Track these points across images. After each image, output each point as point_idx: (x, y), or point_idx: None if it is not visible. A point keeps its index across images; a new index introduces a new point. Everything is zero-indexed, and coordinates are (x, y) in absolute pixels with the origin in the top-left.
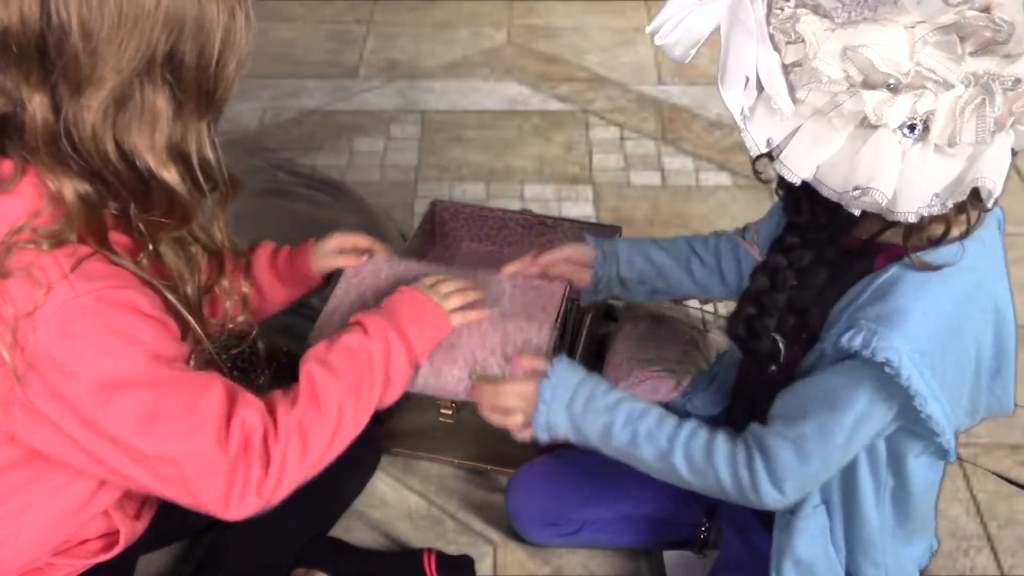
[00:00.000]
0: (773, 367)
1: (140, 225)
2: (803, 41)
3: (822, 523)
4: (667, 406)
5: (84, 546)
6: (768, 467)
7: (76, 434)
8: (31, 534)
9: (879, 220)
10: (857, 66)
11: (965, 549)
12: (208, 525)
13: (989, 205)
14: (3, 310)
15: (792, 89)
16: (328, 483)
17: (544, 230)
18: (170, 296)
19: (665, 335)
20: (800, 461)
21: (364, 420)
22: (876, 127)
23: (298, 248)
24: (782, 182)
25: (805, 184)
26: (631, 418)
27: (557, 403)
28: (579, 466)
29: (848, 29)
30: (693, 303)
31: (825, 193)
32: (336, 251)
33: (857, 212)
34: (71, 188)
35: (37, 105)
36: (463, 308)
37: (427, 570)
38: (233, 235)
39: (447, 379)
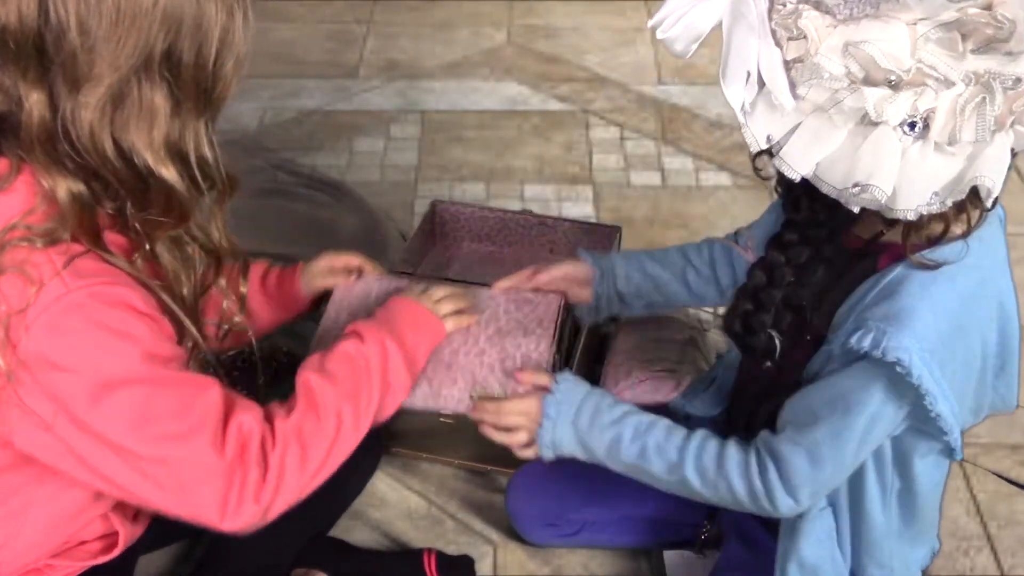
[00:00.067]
0: (769, 363)
1: (136, 224)
2: (805, 37)
3: (828, 526)
4: (666, 407)
5: (83, 547)
6: (782, 475)
7: (68, 437)
8: (30, 536)
9: (880, 219)
10: (859, 62)
11: (965, 549)
12: None
13: (988, 204)
14: None
15: (793, 85)
16: (328, 483)
17: (544, 230)
18: (165, 297)
19: (665, 335)
20: (814, 467)
21: (364, 427)
22: (876, 124)
23: (288, 270)
24: (782, 179)
25: (804, 181)
26: (639, 431)
27: (562, 419)
28: (579, 467)
29: (850, 25)
30: None
31: (824, 190)
32: (326, 271)
33: (856, 209)
34: (65, 187)
35: (34, 102)
36: (455, 314)
37: (427, 570)
38: (232, 235)
39: (447, 400)
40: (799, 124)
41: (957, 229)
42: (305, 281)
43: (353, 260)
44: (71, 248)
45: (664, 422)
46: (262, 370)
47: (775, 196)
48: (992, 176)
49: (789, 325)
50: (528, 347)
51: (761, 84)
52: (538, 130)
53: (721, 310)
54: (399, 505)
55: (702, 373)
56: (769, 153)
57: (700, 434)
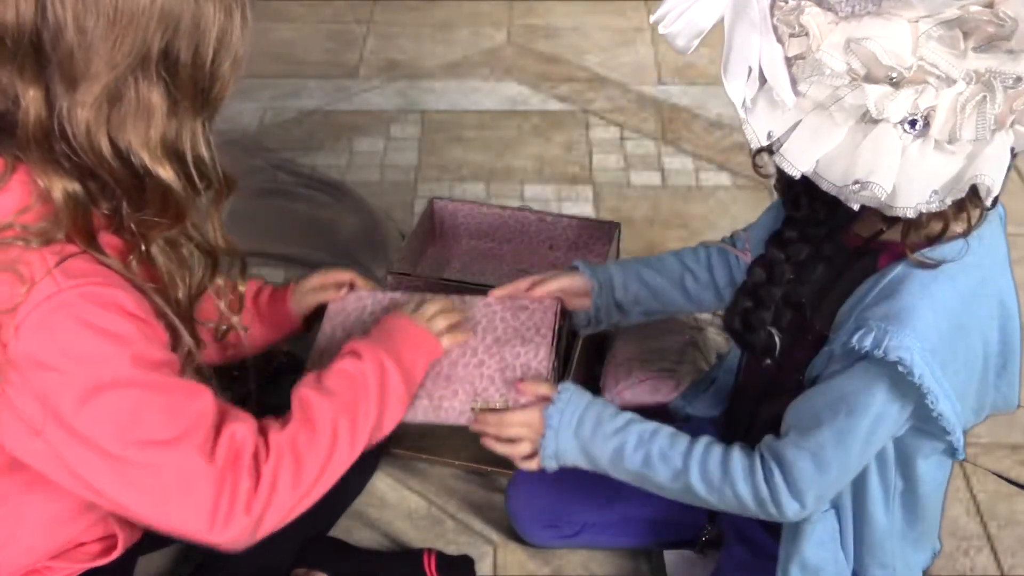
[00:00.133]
0: (769, 361)
1: (132, 225)
2: (806, 34)
3: (831, 528)
4: (667, 407)
5: (82, 549)
6: (787, 480)
7: (56, 442)
8: (28, 538)
9: (880, 218)
10: (860, 59)
11: (965, 549)
12: None
13: (988, 203)
14: None
15: (794, 82)
16: None
17: (543, 227)
18: (159, 301)
19: (665, 335)
20: (819, 471)
21: (360, 445)
22: (877, 122)
23: (280, 288)
24: (782, 176)
25: (804, 178)
26: (642, 439)
27: (565, 429)
28: (580, 468)
29: (852, 22)
30: None
31: (824, 187)
32: (317, 288)
33: (856, 207)
34: (60, 186)
35: (31, 100)
36: (450, 330)
37: (427, 570)
38: (229, 235)
39: (448, 413)
40: (800, 121)
41: (957, 228)
42: (296, 299)
43: (344, 276)
44: (65, 248)
45: (667, 429)
46: (262, 370)
47: (775, 196)
48: (992, 175)
49: (789, 323)
50: (527, 356)
51: (762, 80)
52: (538, 130)
53: (721, 310)
54: (399, 505)
55: (702, 373)
56: (769, 150)
57: (704, 440)
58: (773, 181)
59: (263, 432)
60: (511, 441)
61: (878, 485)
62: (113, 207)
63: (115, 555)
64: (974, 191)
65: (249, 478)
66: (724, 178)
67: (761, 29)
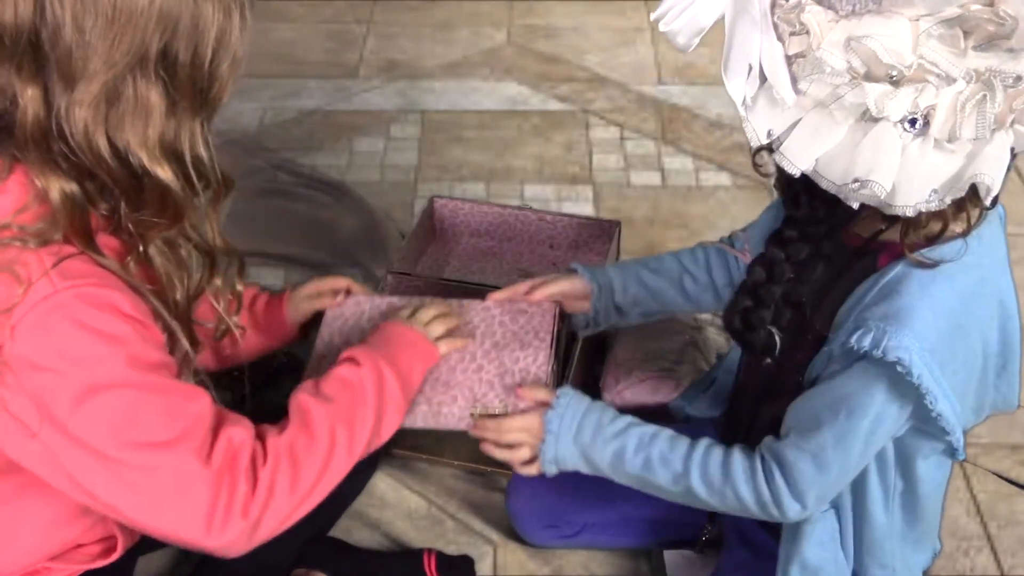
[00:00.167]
0: (769, 360)
1: (130, 225)
2: (807, 32)
3: (831, 528)
4: (667, 407)
5: (81, 550)
6: (788, 481)
7: (52, 444)
8: (27, 539)
9: (879, 217)
10: (861, 57)
11: (965, 549)
12: None
13: (987, 202)
14: None
15: (795, 80)
16: None
17: (543, 225)
18: (156, 303)
19: (665, 335)
20: (819, 472)
21: (358, 451)
22: (877, 120)
23: (276, 296)
24: (781, 175)
25: (804, 177)
26: (642, 443)
27: (564, 434)
28: None
29: (852, 20)
30: None
31: (824, 185)
32: (313, 295)
33: (855, 205)
34: (58, 187)
35: (29, 99)
36: (448, 335)
37: (427, 570)
38: (226, 235)
39: (447, 418)
40: (800, 119)
41: (956, 228)
42: (292, 306)
43: (340, 282)
44: (63, 249)
45: (667, 432)
46: (261, 371)
47: (775, 196)
48: (991, 174)
49: (789, 322)
50: (526, 361)
51: (763, 79)
52: (538, 130)
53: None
54: (399, 505)
55: (702, 373)
56: (769, 149)
57: (704, 443)
58: (773, 180)
59: (261, 437)
60: (510, 446)
61: (878, 485)
62: (111, 208)
63: (114, 557)
64: (974, 190)
65: (246, 482)
66: (724, 178)
67: (762, 27)
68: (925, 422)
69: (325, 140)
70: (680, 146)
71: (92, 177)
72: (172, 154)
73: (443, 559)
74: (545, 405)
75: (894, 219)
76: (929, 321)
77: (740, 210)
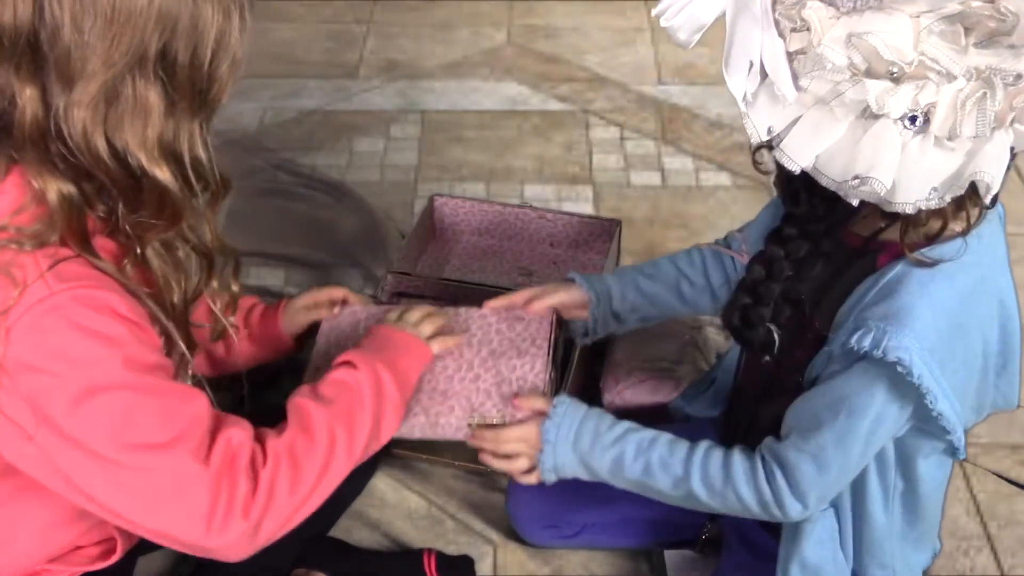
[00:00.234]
0: (768, 358)
1: (127, 227)
2: (808, 28)
3: (831, 527)
4: (666, 408)
5: (80, 552)
6: (789, 481)
7: (49, 447)
8: (24, 542)
9: (879, 216)
10: (862, 53)
11: (965, 549)
12: None
13: (987, 201)
14: None
15: (795, 77)
16: None
17: (544, 224)
18: (153, 305)
19: (665, 335)
20: (820, 472)
21: (357, 452)
22: (877, 117)
23: (271, 306)
24: (781, 172)
25: (804, 174)
26: (641, 448)
27: (563, 443)
28: None
29: (853, 17)
30: None
31: (824, 182)
32: (310, 306)
33: (855, 202)
34: (55, 188)
35: (27, 99)
36: (438, 335)
37: (427, 570)
38: (222, 236)
39: (445, 429)
40: (800, 116)
41: (956, 227)
42: (288, 317)
43: (337, 292)
44: (59, 252)
45: (666, 436)
46: (260, 372)
47: (774, 196)
48: (991, 172)
49: (788, 320)
50: (524, 369)
51: (763, 75)
52: (538, 130)
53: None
54: (399, 505)
55: (702, 373)
56: (769, 146)
57: (703, 445)
58: (772, 178)
59: (259, 439)
60: (508, 457)
61: (877, 485)
62: (108, 209)
63: (114, 559)
64: (973, 189)
65: (247, 482)
66: (724, 178)
67: (763, 23)
68: (926, 421)
69: (325, 140)
70: (680, 146)
71: (90, 178)
72: (171, 155)
73: (443, 559)
74: (542, 414)
75: (894, 217)
76: (929, 321)
77: (740, 210)
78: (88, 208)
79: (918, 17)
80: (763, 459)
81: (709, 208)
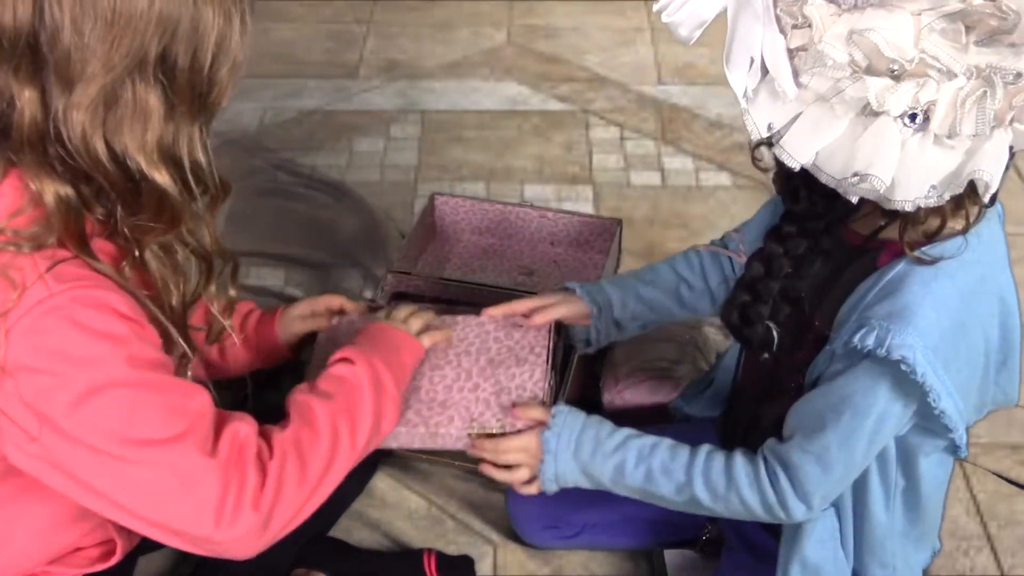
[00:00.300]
0: (766, 355)
1: (126, 230)
2: (809, 25)
3: (832, 526)
4: (665, 408)
5: (80, 554)
6: (793, 483)
7: (53, 449)
8: (24, 543)
9: (879, 214)
10: (863, 50)
11: (965, 549)
12: None
13: (986, 199)
14: None
15: (796, 73)
16: None
17: (544, 223)
18: (152, 307)
19: (664, 335)
20: (824, 472)
21: (360, 444)
22: (877, 115)
23: (268, 313)
24: (781, 169)
25: (803, 171)
26: (642, 455)
27: (563, 453)
28: None
29: (855, 13)
30: None
31: (823, 179)
32: (307, 314)
33: (855, 200)
34: (52, 190)
35: (26, 102)
36: (426, 330)
37: (427, 570)
38: (223, 242)
39: (445, 439)
40: (800, 113)
41: (955, 225)
42: (284, 325)
43: (334, 301)
44: (57, 253)
45: (667, 442)
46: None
47: (774, 195)
48: (990, 171)
49: (787, 318)
50: (522, 377)
51: (764, 72)
52: (538, 130)
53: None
54: (399, 505)
55: (702, 373)
56: (769, 143)
57: (704, 450)
58: (771, 175)
59: (263, 435)
60: (509, 467)
61: (879, 483)
62: (107, 212)
63: (113, 561)
64: (972, 187)
65: (256, 474)
66: (724, 178)
67: (764, 20)
68: (928, 420)
69: (325, 140)
70: (680, 146)
71: (88, 181)
72: (170, 159)
73: (443, 559)
74: (542, 424)
75: (893, 215)
76: (932, 319)
77: (740, 210)
78: (86, 210)
79: (919, 15)
80: (766, 461)
81: (709, 208)
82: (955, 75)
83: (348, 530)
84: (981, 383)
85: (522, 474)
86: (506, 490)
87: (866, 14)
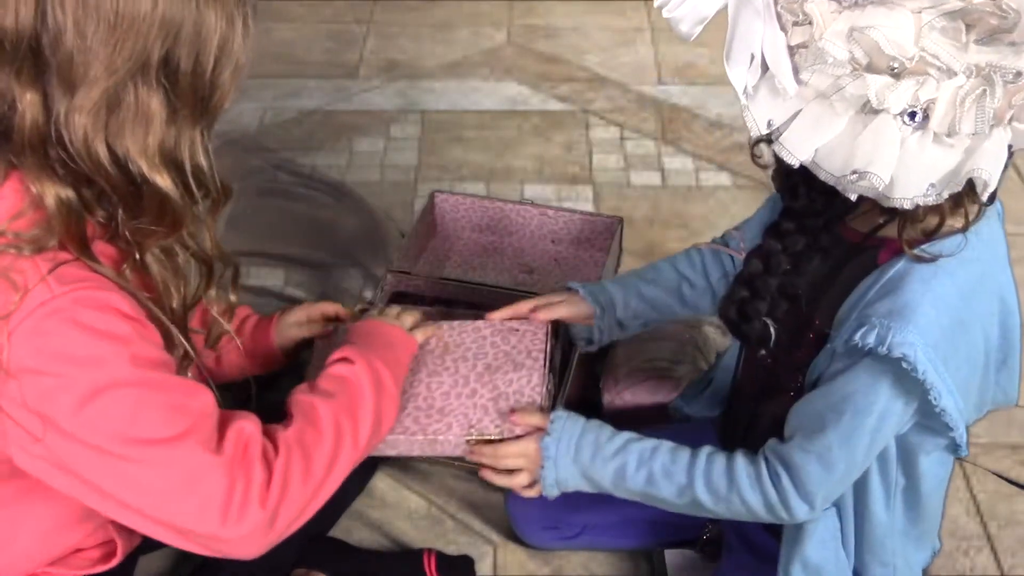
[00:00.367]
0: (764, 351)
1: (127, 233)
2: (810, 22)
3: (832, 526)
4: (665, 408)
5: (81, 555)
6: (795, 483)
7: (58, 450)
8: (25, 544)
9: (878, 212)
10: (863, 48)
11: (965, 549)
12: None
13: (984, 198)
14: None
15: (796, 70)
16: None
17: (545, 221)
18: (153, 308)
19: (664, 335)
20: (827, 472)
21: (363, 442)
22: (877, 112)
23: (265, 318)
24: (780, 166)
25: (803, 168)
26: (643, 458)
27: (563, 457)
28: None
29: (855, 11)
30: None
31: (823, 177)
32: (303, 321)
33: (854, 197)
34: (53, 193)
35: (28, 104)
36: (418, 326)
37: (427, 570)
38: (221, 243)
39: (444, 446)
40: (800, 110)
41: (955, 223)
42: (280, 331)
43: (329, 308)
44: (58, 256)
45: (667, 445)
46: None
47: (773, 194)
48: (989, 169)
49: (785, 316)
50: (520, 383)
51: (764, 68)
52: (538, 130)
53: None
54: (399, 505)
55: (701, 373)
56: (768, 140)
57: (705, 451)
58: (770, 172)
59: (267, 434)
60: (509, 472)
61: (879, 483)
62: (108, 215)
63: (114, 562)
64: (971, 186)
65: (262, 471)
66: (724, 178)
67: (764, 16)
68: (929, 418)
69: (325, 140)
70: (680, 146)
71: (89, 184)
72: (172, 162)
73: (443, 559)
74: (540, 430)
75: (892, 213)
76: (932, 317)
77: (740, 210)
78: (87, 213)
79: (920, 13)
80: (767, 461)
81: (709, 208)
82: (955, 73)
83: (348, 530)
84: (981, 382)
85: (522, 479)
86: (506, 491)
87: (867, 11)
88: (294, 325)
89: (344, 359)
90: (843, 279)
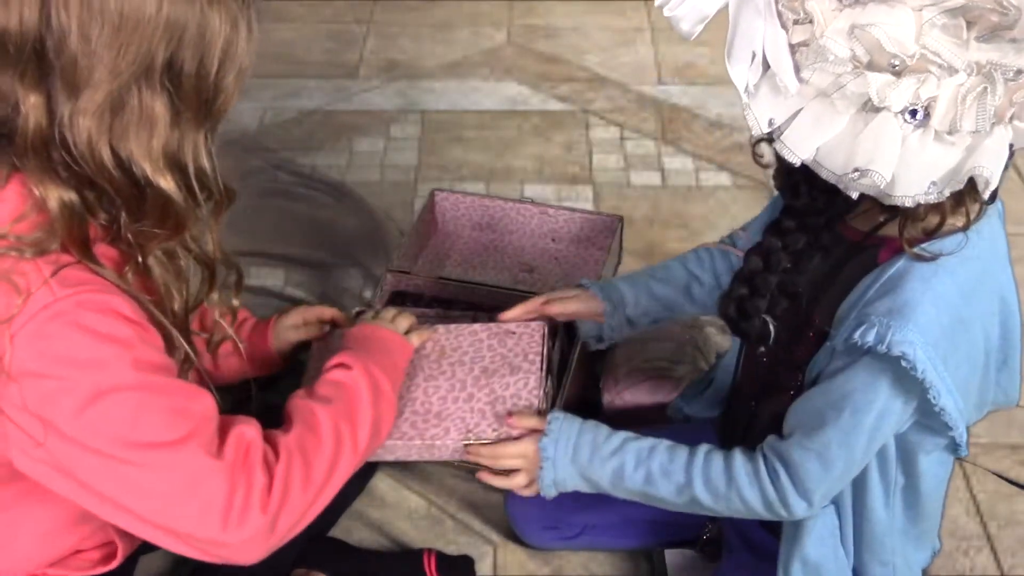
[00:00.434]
0: (763, 349)
1: (129, 236)
2: (811, 21)
3: (832, 524)
4: (665, 408)
5: (81, 557)
6: (794, 480)
7: (59, 453)
8: (25, 546)
9: (879, 210)
10: (864, 45)
11: (965, 549)
12: None
13: (985, 196)
14: None
15: (797, 69)
16: None
17: (545, 219)
18: (155, 311)
19: (664, 335)
20: (825, 469)
21: (362, 447)
22: (878, 110)
23: (262, 321)
24: (781, 165)
25: (804, 167)
26: (641, 457)
27: (561, 458)
28: None
29: (856, 9)
30: None
31: (824, 175)
32: (299, 324)
33: (855, 195)
34: (56, 196)
35: (32, 107)
36: (413, 329)
37: (427, 570)
38: (225, 247)
39: (442, 451)
40: (801, 108)
41: (956, 222)
42: (277, 334)
43: (326, 311)
44: (60, 258)
45: (665, 444)
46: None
47: (774, 195)
48: (990, 168)
49: (785, 314)
50: (517, 386)
51: (766, 67)
52: (538, 130)
53: None
54: (399, 505)
55: (701, 373)
56: (769, 139)
57: (703, 450)
58: (772, 171)
59: (267, 439)
60: (507, 473)
61: (878, 481)
62: (110, 217)
63: (114, 564)
64: (972, 184)
65: (263, 476)
66: (724, 178)
67: (765, 15)
68: (928, 417)
69: (325, 140)
70: (680, 146)
71: (92, 186)
72: (175, 165)
73: (443, 559)
74: (538, 432)
75: (893, 211)
76: (932, 315)
77: (740, 210)
78: (90, 216)
79: (920, 10)
80: (765, 458)
81: (709, 208)
82: (956, 71)
83: (348, 530)
84: (981, 382)
85: (520, 480)
86: (506, 491)
87: (868, 9)
88: (291, 328)
89: (341, 364)
90: (843, 277)
